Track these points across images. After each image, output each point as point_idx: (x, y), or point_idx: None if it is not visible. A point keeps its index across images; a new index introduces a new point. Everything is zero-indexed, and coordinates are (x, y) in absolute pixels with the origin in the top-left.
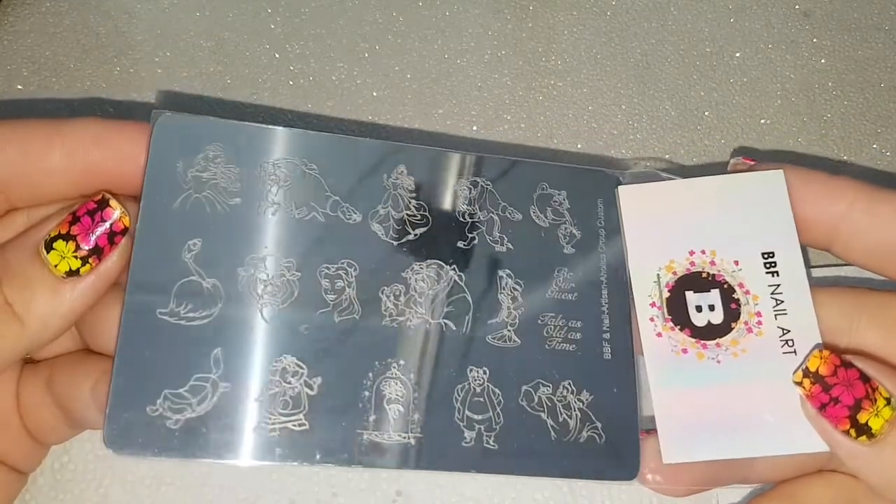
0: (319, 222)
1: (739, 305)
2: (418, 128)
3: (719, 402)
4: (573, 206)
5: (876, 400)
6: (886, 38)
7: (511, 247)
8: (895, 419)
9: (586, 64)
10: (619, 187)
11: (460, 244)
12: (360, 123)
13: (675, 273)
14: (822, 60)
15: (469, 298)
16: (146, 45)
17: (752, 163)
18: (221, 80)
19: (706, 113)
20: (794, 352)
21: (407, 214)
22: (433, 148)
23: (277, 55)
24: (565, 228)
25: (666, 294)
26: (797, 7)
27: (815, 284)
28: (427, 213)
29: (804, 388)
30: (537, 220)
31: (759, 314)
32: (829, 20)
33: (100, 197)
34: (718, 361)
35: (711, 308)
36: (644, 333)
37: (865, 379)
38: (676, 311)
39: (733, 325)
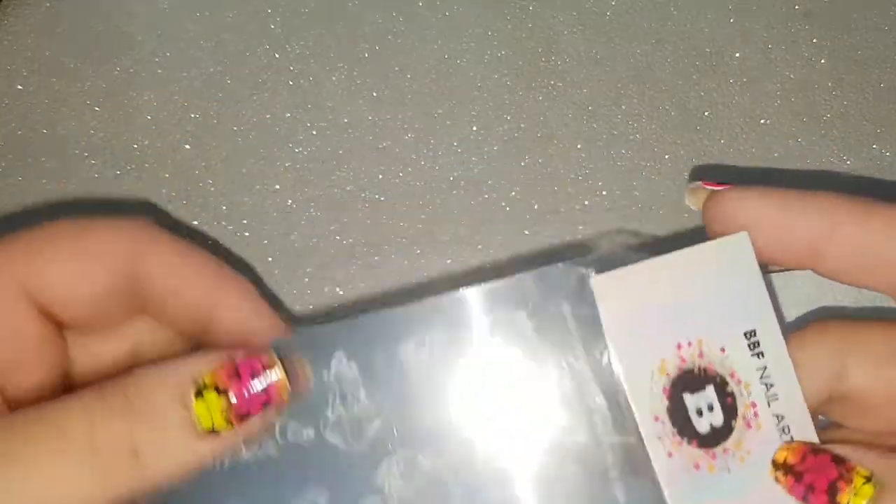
0: (271, 457)
1: (734, 398)
2: (418, 127)
3: None
4: (537, 322)
5: (852, 480)
6: (887, 39)
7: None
8: (877, 497)
9: (586, 64)
10: (594, 279)
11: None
12: (360, 123)
13: (668, 374)
14: (823, 61)
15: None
16: (146, 46)
17: (712, 187)
18: (221, 80)
19: (706, 113)
20: (792, 439)
21: (358, 410)
22: (365, 315)
23: (277, 55)
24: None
25: (666, 403)
26: (797, 7)
27: (791, 323)
28: (379, 400)
29: (779, 482)
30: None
31: (753, 404)
32: (829, 20)
33: (269, 360)
34: (729, 470)
35: (710, 408)
36: (654, 456)
37: (839, 461)
38: (679, 421)
39: (733, 423)
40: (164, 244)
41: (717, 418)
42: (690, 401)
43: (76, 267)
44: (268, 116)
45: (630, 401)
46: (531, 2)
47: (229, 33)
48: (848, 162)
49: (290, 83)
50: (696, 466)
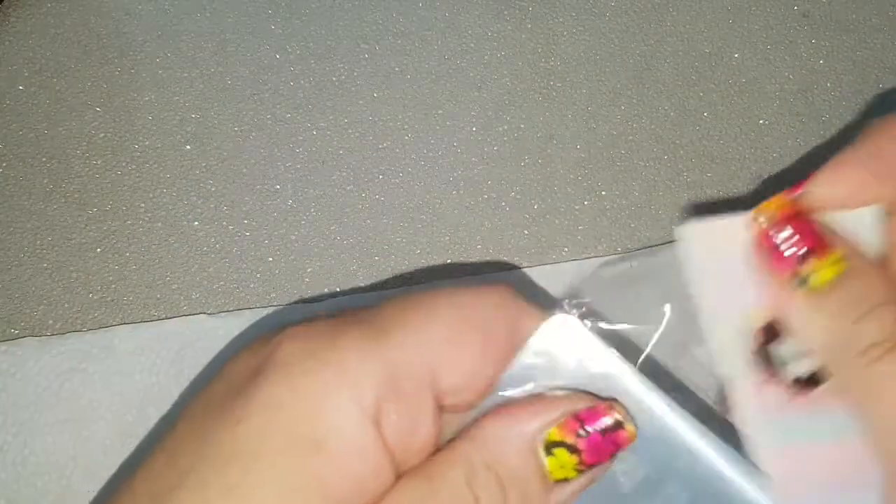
0: None
1: None
2: (418, 127)
3: (843, 459)
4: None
5: (826, 257)
6: (885, 39)
7: None
8: (843, 278)
9: (585, 65)
10: (680, 228)
11: None
12: (360, 123)
13: (754, 324)
14: (821, 61)
15: None
16: (147, 46)
17: (796, 191)
18: (222, 80)
19: (705, 113)
20: None
21: None
22: None
23: (278, 56)
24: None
25: (753, 348)
26: (796, 8)
27: None
28: None
29: (759, 224)
30: None
31: None
32: (827, 21)
33: (615, 415)
34: (816, 416)
35: (798, 357)
36: (741, 395)
37: (819, 235)
38: (766, 366)
39: (817, 376)
40: (530, 310)
41: (804, 367)
42: (779, 350)
43: (478, 354)
44: (268, 117)
45: (716, 345)
46: (531, 3)
47: (230, 34)
48: None
49: (291, 83)
50: (782, 410)
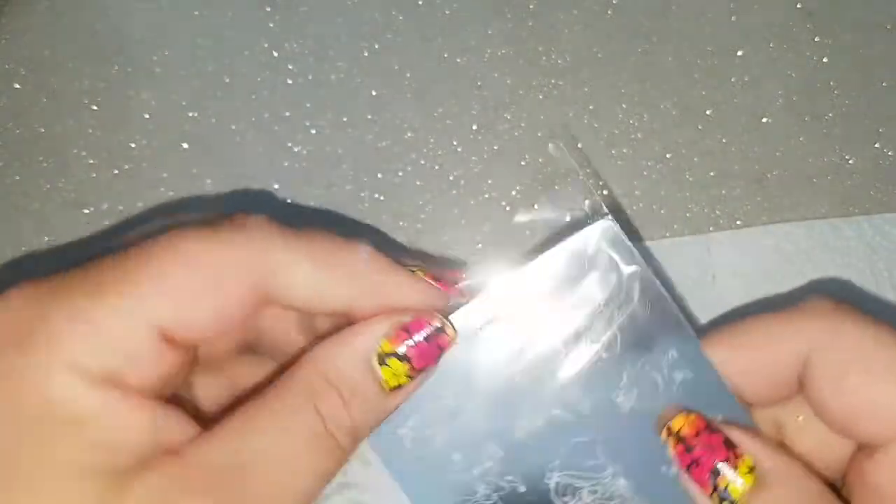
0: None
1: None
2: (418, 127)
3: None
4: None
5: (737, 467)
6: (888, 37)
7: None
8: (757, 489)
9: (587, 63)
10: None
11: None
12: (360, 123)
13: None
14: (824, 59)
15: None
16: (144, 44)
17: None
18: (220, 79)
19: (707, 112)
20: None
21: None
22: None
23: (276, 54)
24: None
25: None
26: (799, 6)
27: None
28: None
29: (670, 447)
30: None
31: None
32: (831, 19)
33: (437, 322)
34: None
35: None
36: None
37: (730, 445)
38: None
39: None
40: (290, 247)
41: None
42: None
43: (200, 296)
44: (266, 115)
45: None
46: (531, 1)
47: (228, 32)
48: (850, 161)
49: (290, 82)
50: None
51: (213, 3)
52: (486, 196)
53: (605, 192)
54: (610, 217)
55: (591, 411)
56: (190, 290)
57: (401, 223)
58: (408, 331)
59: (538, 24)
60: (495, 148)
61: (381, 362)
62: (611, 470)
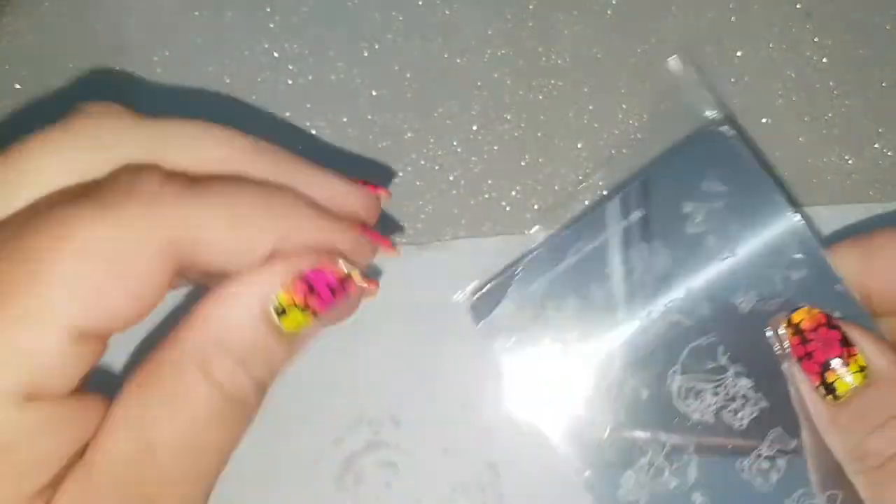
0: None
1: None
2: (418, 127)
3: None
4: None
5: (849, 365)
6: (889, 38)
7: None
8: (862, 386)
9: (587, 63)
10: None
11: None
12: (360, 123)
13: None
14: (824, 60)
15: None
16: (145, 44)
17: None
18: (220, 79)
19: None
20: None
21: None
22: None
23: (276, 54)
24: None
25: None
26: (799, 7)
27: None
28: None
29: (787, 336)
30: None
31: None
32: (831, 19)
33: (344, 273)
34: None
35: None
36: None
37: (846, 343)
38: None
39: None
40: (197, 206)
41: None
42: None
43: (110, 289)
44: (266, 115)
45: None
46: (531, 1)
47: (228, 32)
48: (849, 161)
49: (290, 83)
50: None
51: (213, 4)
52: (486, 196)
53: (605, 193)
54: (727, 127)
55: (711, 314)
56: (95, 282)
57: (401, 223)
58: (307, 282)
59: (538, 24)
60: (495, 148)
61: (280, 314)
62: (732, 371)
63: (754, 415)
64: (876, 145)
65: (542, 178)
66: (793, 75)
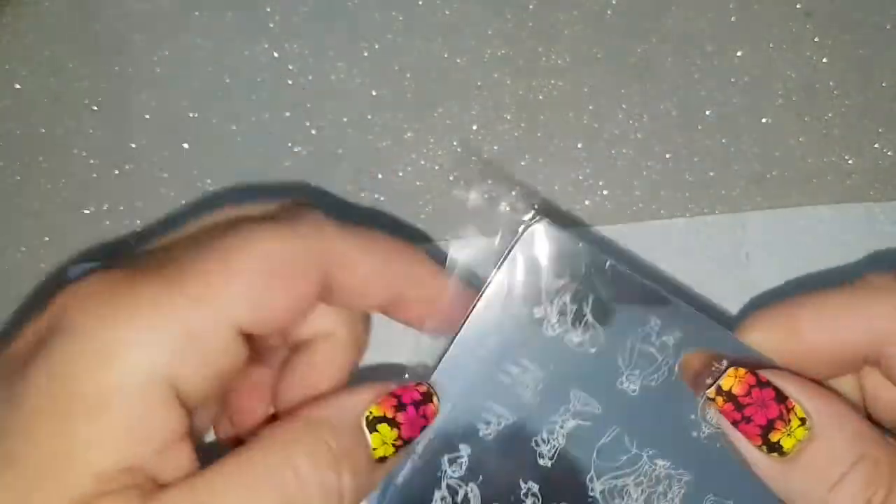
0: None
1: None
2: (418, 127)
3: None
4: None
5: (790, 420)
6: (888, 38)
7: None
8: (808, 439)
9: (587, 63)
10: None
11: None
12: (360, 123)
13: None
14: (824, 60)
15: None
16: (144, 45)
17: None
18: (220, 79)
19: (707, 112)
20: None
21: None
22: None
23: (276, 54)
24: None
25: None
26: (799, 6)
27: None
28: None
29: (717, 404)
30: None
31: None
32: (831, 19)
33: (425, 389)
34: None
35: None
36: None
37: (781, 398)
38: None
39: None
40: (348, 240)
41: None
42: None
43: (284, 301)
44: (267, 116)
45: None
46: (531, 1)
47: (228, 33)
48: (849, 161)
49: (290, 82)
50: None
51: (214, 4)
52: (487, 196)
53: (605, 193)
54: (538, 218)
55: (604, 408)
56: (266, 285)
57: (401, 223)
58: (396, 396)
59: (538, 24)
60: (495, 148)
61: (371, 428)
62: (646, 455)
63: (683, 490)
64: (876, 145)
65: (542, 178)
66: (793, 75)
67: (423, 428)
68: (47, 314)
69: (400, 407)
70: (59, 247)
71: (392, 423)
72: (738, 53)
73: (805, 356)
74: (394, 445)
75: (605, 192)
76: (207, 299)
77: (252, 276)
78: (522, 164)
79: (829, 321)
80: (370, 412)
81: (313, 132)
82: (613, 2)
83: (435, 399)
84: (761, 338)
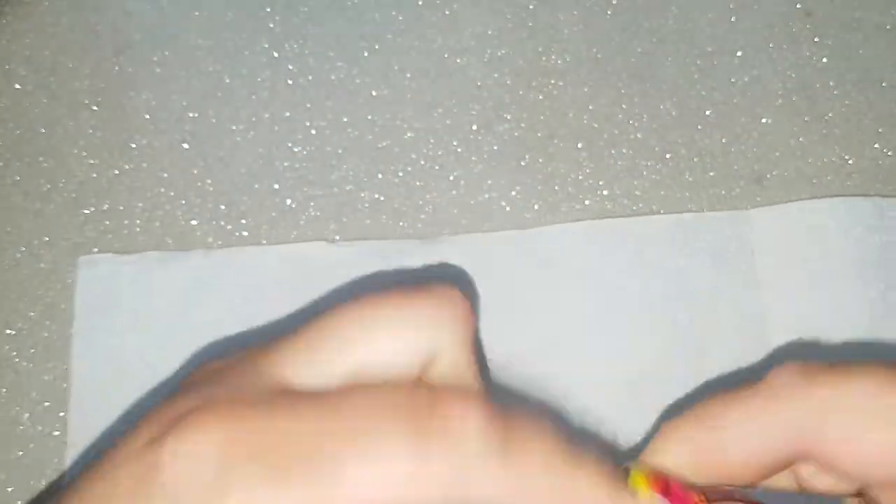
0: None
1: None
2: (418, 127)
3: None
4: None
5: None
6: (888, 37)
7: None
8: None
9: (586, 63)
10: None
11: None
12: (360, 123)
13: None
14: (824, 59)
15: None
16: (144, 45)
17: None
18: (220, 79)
19: (707, 112)
20: None
21: None
22: None
23: (276, 54)
24: None
25: None
26: (798, 6)
27: None
28: None
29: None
30: None
31: None
32: (830, 19)
33: None
34: None
35: None
36: None
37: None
38: None
39: None
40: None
41: None
42: None
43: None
44: (267, 116)
45: None
46: (531, 1)
47: (228, 32)
48: (849, 161)
49: (290, 82)
50: None
51: (214, 4)
52: (486, 196)
53: (605, 193)
54: None
55: None
56: None
57: (401, 223)
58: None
59: (538, 24)
60: (495, 148)
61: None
62: None
63: None
64: (876, 145)
65: (542, 178)
66: (793, 75)
67: None
68: (155, 450)
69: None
70: (59, 247)
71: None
72: (738, 53)
73: (730, 469)
74: None
75: (604, 193)
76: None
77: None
78: (522, 164)
79: (752, 430)
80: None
81: (313, 132)
82: (613, 2)
83: None
84: (677, 458)
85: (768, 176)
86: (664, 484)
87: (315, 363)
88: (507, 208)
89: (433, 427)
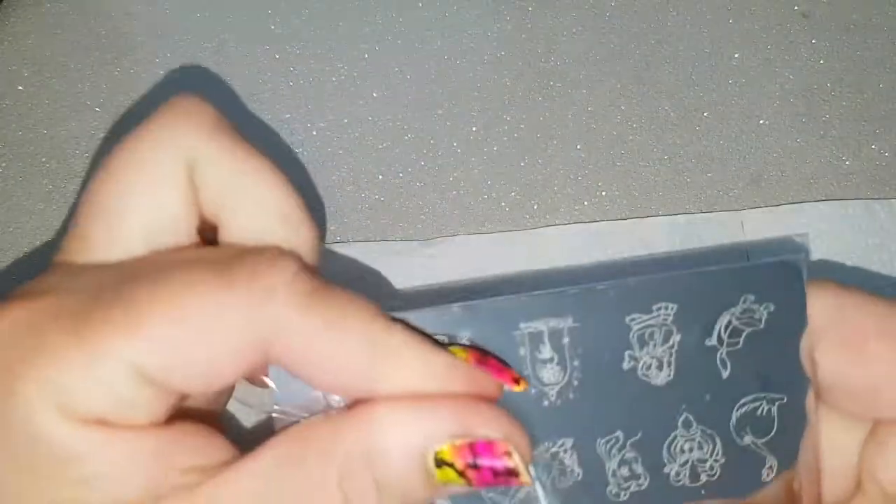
0: None
1: None
2: (418, 127)
3: None
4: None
5: None
6: (886, 39)
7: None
8: None
9: (586, 65)
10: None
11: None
12: (360, 123)
13: None
14: (821, 61)
15: None
16: (146, 46)
17: None
18: (221, 80)
19: (705, 113)
20: None
21: None
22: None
23: (277, 56)
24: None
25: None
26: (796, 8)
27: None
28: None
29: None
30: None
31: None
32: (828, 21)
33: (514, 466)
34: None
35: None
36: None
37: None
38: None
39: None
40: (302, 310)
41: None
42: None
43: (195, 350)
44: (267, 117)
45: None
46: (531, 2)
47: (229, 34)
48: (847, 162)
49: (290, 84)
50: None
51: (215, 6)
52: (486, 197)
53: (604, 194)
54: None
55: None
56: (181, 350)
57: (400, 224)
58: (476, 453)
59: (537, 25)
60: (495, 149)
61: (437, 464)
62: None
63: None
64: (873, 146)
65: (542, 178)
66: (790, 76)
67: (500, 483)
68: None
69: (474, 466)
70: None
71: (460, 473)
72: (736, 55)
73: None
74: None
75: (604, 193)
76: (114, 350)
77: (163, 343)
78: (522, 164)
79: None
80: (439, 452)
81: (314, 133)
82: (613, 3)
83: (524, 476)
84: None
85: (766, 177)
86: (482, 356)
87: (102, 242)
88: (507, 209)
89: (241, 273)
